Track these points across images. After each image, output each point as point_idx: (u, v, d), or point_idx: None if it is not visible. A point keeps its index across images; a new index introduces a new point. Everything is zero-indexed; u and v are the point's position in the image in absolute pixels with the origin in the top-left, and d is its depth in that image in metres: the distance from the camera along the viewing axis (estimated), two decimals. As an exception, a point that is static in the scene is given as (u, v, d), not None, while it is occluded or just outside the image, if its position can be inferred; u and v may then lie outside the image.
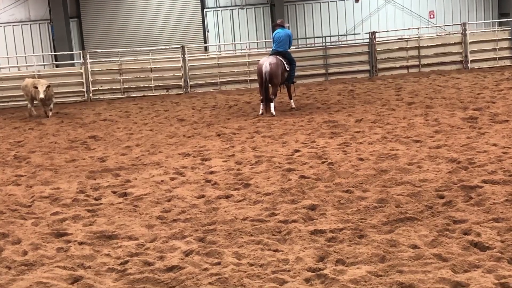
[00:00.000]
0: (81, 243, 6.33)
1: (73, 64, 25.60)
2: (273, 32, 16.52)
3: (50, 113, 18.36)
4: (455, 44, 23.63)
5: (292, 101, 16.40)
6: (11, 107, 22.33)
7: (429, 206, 6.77)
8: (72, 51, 27.77)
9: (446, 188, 7.45)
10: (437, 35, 26.30)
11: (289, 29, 17.11)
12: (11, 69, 26.44)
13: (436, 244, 5.62)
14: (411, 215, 6.48)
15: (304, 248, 5.76)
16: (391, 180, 8.03)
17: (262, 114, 15.34)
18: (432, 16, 30.98)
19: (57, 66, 26.11)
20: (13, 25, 29.11)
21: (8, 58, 27.79)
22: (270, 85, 15.34)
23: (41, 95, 17.55)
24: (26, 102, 19.44)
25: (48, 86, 17.85)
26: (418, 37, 24.32)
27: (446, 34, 26.47)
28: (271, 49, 16.35)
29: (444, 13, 31.11)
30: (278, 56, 15.70)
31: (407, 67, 23.68)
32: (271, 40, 16.58)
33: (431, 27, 29.56)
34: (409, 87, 18.67)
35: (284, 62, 15.72)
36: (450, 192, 7.24)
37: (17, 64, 27.38)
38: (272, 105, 15.29)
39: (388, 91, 18.36)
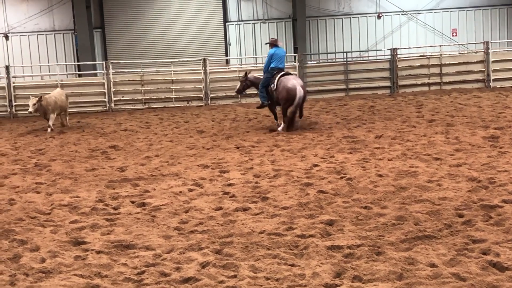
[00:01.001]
0: (98, 252, 6.36)
1: (95, 74, 25.79)
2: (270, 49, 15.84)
3: (49, 130, 17.62)
4: (477, 62, 23.48)
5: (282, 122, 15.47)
6: (34, 115, 22.53)
7: (448, 224, 6.72)
8: (95, 61, 28.02)
9: (466, 207, 7.39)
10: (459, 53, 26.15)
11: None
12: (34, 78, 26.70)
13: (454, 263, 5.57)
14: (430, 233, 6.44)
15: (321, 263, 5.74)
16: (410, 198, 7.99)
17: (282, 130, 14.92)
18: (454, 34, 30.86)
19: (79, 75, 26.36)
20: (37, 34, 29.43)
21: (32, 67, 28.07)
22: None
23: (30, 109, 17.23)
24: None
25: (40, 98, 17.41)
26: (440, 54, 24.19)
27: (469, 52, 26.31)
28: (270, 67, 15.50)
29: (467, 31, 30.96)
30: (291, 74, 15.75)
31: (429, 84, 23.56)
32: (267, 57, 15.94)
33: (454, 45, 29.42)
34: (430, 105, 18.58)
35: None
36: (470, 211, 7.19)
37: (41, 73, 27.66)
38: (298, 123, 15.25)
39: (409, 108, 18.29)
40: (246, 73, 16.77)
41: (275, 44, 15.90)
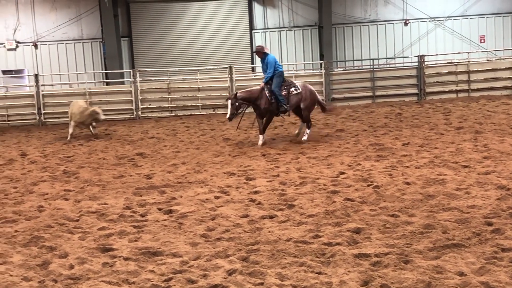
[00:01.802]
0: (126, 259, 6.40)
1: (123, 82, 26.02)
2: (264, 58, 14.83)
3: (94, 132, 18.32)
4: (505, 69, 23.27)
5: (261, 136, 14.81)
6: (62, 123, 22.80)
7: (477, 233, 6.64)
8: (123, 69, 28.28)
9: (495, 215, 7.30)
10: (487, 60, 25.91)
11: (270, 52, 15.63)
12: (62, 86, 27.02)
13: (483, 272, 5.51)
14: (458, 241, 6.37)
15: (348, 271, 5.70)
16: (438, 206, 7.91)
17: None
18: (482, 41, 30.58)
19: (107, 83, 26.62)
20: (66, 43, 29.81)
21: (60, 75, 28.43)
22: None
23: (102, 117, 17.48)
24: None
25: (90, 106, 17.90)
26: (468, 61, 24.01)
27: (497, 59, 26.06)
28: (279, 71, 14.72)
29: (495, 38, 30.68)
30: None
31: (456, 92, 23.38)
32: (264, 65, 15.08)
33: (481, 51, 29.15)
34: (458, 112, 18.42)
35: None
36: (499, 219, 7.10)
37: (69, 81, 28.00)
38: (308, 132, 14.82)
39: (437, 115, 18.14)
40: (235, 94, 14.56)
41: (264, 51, 15.03)
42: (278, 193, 9.24)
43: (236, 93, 14.69)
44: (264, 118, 14.70)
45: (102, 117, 17.50)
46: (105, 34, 28.30)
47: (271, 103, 14.49)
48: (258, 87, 14.71)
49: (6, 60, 29.62)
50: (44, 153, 15.12)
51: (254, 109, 14.85)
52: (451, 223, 7.02)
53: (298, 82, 15.13)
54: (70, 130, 17.86)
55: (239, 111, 14.52)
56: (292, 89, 14.69)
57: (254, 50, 15.57)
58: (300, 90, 14.68)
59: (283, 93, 14.51)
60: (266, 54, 14.91)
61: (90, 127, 18.23)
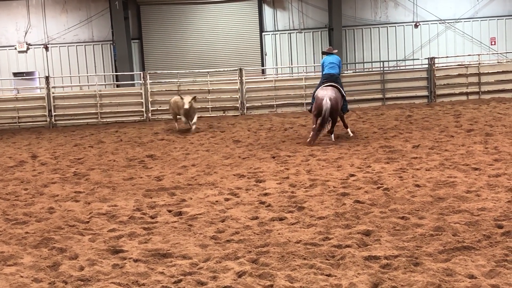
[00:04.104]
0: (136, 261, 6.42)
1: (133, 84, 26.11)
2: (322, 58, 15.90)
3: (194, 127, 18.47)
4: (516, 71, 23.19)
5: (348, 129, 15.58)
6: (72, 125, 22.93)
7: (487, 235, 6.62)
8: (133, 71, 28.37)
9: (505, 217, 7.27)
10: (498, 62, 25.82)
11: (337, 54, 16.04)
12: (73, 88, 27.14)
13: (494, 274, 5.49)
14: (469, 244, 6.34)
15: (358, 273, 5.70)
16: (448, 208, 7.89)
17: (310, 143, 14.43)
18: (493, 43, 30.46)
19: (117, 86, 26.71)
20: (76, 45, 29.94)
21: (71, 77, 28.57)
22: (330, 119, 14.73)
23: (186, 106, 17.90)
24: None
25: (194, 98, 18.29)
26: (479, 63, 23.92)
27: (508, 61, 25.95)
28: (323, 73, 15.23)
29: (506, 40, 30.53)
30: (335, 86, 14.84)
31: (467, 94, 23.31)
32: (320, 66, 15.83)
33: (492, 53, 29.04)
34: (468, 114, 18.35)
35: (342, 91, 15.03)
36: (509, 222, 7.06)
37: (79, 83, 28.12)
38: (332, 136, 15.06)
39: (447, 117, 18.09)
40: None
41: (330, 52, 15.77)
42: (288, 195, 9.25)
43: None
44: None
45: (186, 105, 17.95)
46: (115, 36, 28.40)
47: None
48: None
49: (17, 62, 29.80)
50: (54, 155, 15.18)
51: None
52: (461, 226, 7.00)
53: (324, 88, 14.86)
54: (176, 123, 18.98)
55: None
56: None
57: (324, 51, 16.24)
58: (313, 96, 14.96)
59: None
60: (327, 54, 15.66)
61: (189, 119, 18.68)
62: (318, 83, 15.46)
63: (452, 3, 30.41)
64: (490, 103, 21.11)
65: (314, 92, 15.18)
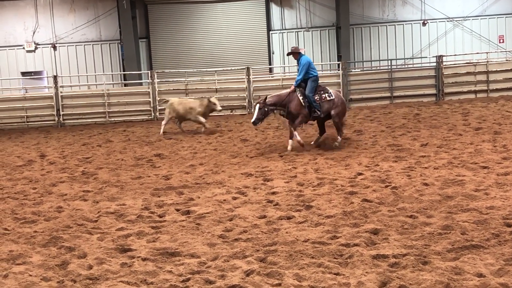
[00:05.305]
0: (144, 259, 6.43)
1: (141, 84, 26.16)
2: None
3: (203, 129, 18.26)
4: (525, 69, 23.10)
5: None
6: (81, 124, 22.99)
7: (496, 234, 6.59)
8: (141, 70, 28.40)
9: (514, 216, 7.24)
10: (506, 60, 25.71)
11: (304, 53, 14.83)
12: (81, 87, 27.22)
13: (502, 273, 5.46)
14: (477, 242, 6.32)
15: (366, 272, 5.69)
16: (456, 207, 7.86)
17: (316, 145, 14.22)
18: (501, 41, 30.32)
19: (125, 85, 26.76)
20: (84, 45, 30.00)
21: (79, 76, 28.64)
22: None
23: (219, 107, 18.02)
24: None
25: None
26: (487, 61, 23.84)
27: (516, 59, 25.86)
28: (314, 75, 14.04)
29: (514, 38, 30.43)
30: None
31: (475, 92, 23.24)
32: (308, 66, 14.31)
33: (500, 51, 28.92)
34: (476, 112, 18.29)
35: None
36: (519, 221, 7.04)
37: (87, 82, 28.19)
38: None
39: (455, 115, 18.03)
40: (265, 99, 13.74)
41: (298, 52, 14.40)
42: (295, 194, 9.24)
43: (266, 97, 13.93)
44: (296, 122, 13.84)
45: (219, 107, 18.10)
46: (123, 35, 28.45)
47: (304, 107, 13.78)
48: (288, 90, 14.03)
49: (25, 62, 29.90)
50: (63, 154, 15.23)
51: (285, 114, 13.95)
52: (469, 224, 6.97)
53: (331, 89, 14.51)
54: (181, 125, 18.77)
55: (266, 117, 13.92)
56: (325, 95, 14.00)
57: (288, 52, 14.72)
58: (333, 97, 14.00)
59: (315, 98, 13.85)
60: (300, 55, 14.27)
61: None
62: (318, 83, 14.46)
63: (460, 1, 30.28)
64: (499, 101, 21.03)
65: (313, 97, 13.86)
